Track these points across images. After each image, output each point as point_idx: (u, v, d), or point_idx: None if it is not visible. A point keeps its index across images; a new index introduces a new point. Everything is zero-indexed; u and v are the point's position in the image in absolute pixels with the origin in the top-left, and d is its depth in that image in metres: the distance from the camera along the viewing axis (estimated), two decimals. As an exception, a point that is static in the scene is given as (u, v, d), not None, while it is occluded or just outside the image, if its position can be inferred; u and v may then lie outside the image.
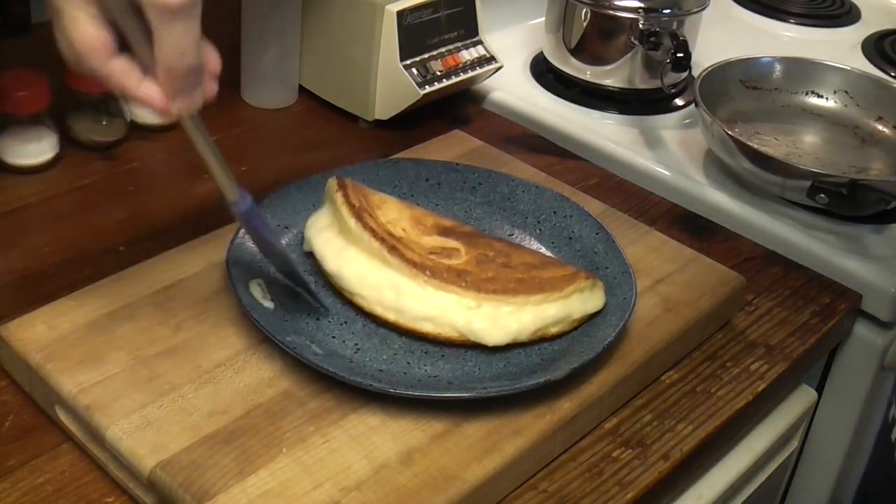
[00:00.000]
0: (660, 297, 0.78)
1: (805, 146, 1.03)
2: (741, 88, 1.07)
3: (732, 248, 0.92)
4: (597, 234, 0.80)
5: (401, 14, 0.97)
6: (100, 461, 0.64)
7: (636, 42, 1.06)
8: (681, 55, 1.02)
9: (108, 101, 0.93)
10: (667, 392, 0.75)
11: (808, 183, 0.90)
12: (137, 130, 0.97)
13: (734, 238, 0.93)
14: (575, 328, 0.73)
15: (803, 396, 0.88)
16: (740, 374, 0.78)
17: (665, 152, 1.02)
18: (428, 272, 0.70)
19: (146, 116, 0.97)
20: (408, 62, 0.99)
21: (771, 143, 1.02)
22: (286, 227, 0.78)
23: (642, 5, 1.06)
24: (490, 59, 1.05)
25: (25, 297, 0.76)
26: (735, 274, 0.82)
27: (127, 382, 0.65)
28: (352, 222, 0.72)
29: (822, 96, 1.08)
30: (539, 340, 0.72)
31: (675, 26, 1.06)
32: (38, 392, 0.68)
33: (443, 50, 1.02)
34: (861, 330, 0.90)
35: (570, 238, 0.81)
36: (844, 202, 0.90)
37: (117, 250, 0.83)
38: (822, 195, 0.90)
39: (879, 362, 0.90)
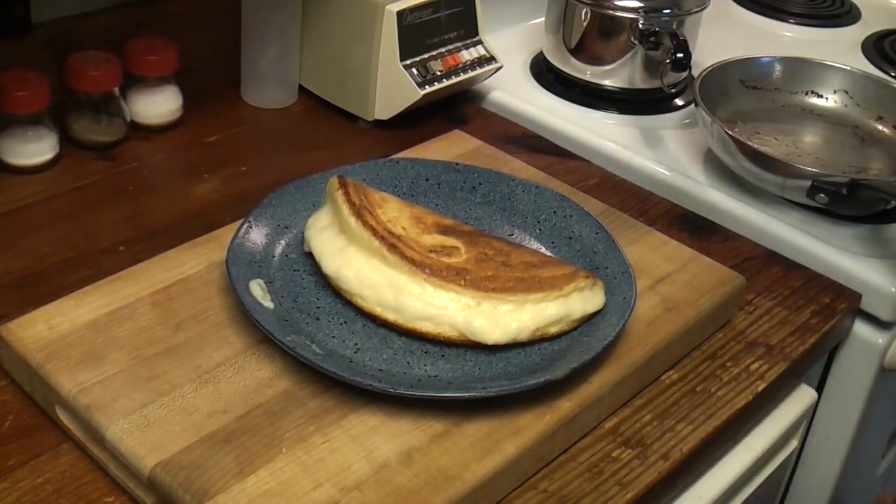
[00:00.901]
0: (660, 297, 0.78)
1: (805, 146, 1.03)
2: (741, 88, 1.07)
3: (732, 248, 0.92)
4: (597, 233, 0.80)
5: (401, 14, 0.97)
6: (100, 461, 0.64)
7: (636, 42, 1.06)
8: (681, 55, 1.02)
9: (108, 101, 0.93)
10: (667, 392, 0.75)
11: (808, 183, 0.90)
12: (137, 130, 0.97)
13: (734, 238, 0.93)
14: (575, 328, 0.73)
15: (803, 396, 0.88)
16: (740, 374, 0.78)
17: (665, 152, 1.02)
18: (427, 270, 0.70)
19: (146, 116, 0.97)
20: (408, 62, 0.99)
21: (771, 143, 1.02)
22: (286, 227, 0.78)
23: (642, 5, 1.06)
24: (490, 59, 1.05)
25: (25, 297, 0.76)
26: (735, 274, 0.82)
27: (127, 382, 0.65)
28: (352, 220, 0.72)
29: (822, 96, 1.08)
30: (539, 340, 0.72)
31: (675, 26, 1.06)
32: (38, 392, 0.68)
33: (443, 50, 1.02)
34: (861, 330, 0.89)
35: (570, 238, 0.81)
36: (844, 202, 0.90)
37: (117, 250, 0.83)
38: (822, 195, 0.90)
39: (879, 362, 0.90)
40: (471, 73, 1.03)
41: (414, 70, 0.99)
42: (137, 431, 0.62)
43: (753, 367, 0.79)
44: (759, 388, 0.77)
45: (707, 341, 0.80)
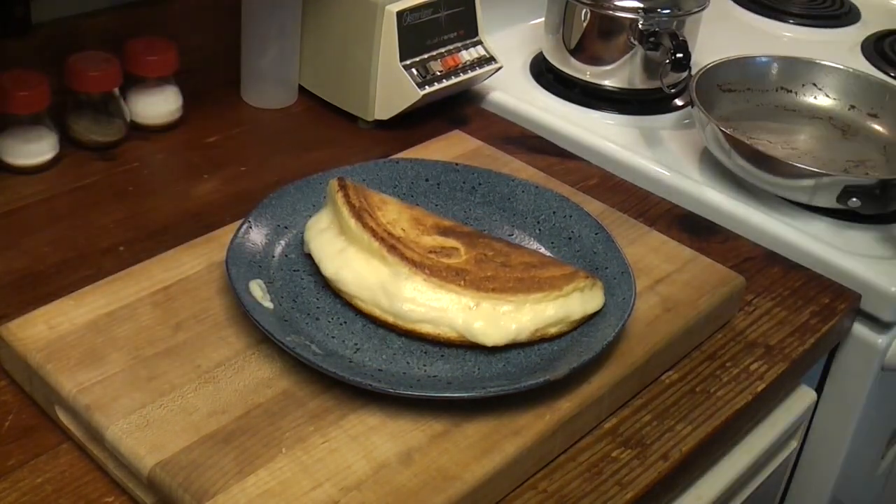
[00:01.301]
0: (659, 297, 0.78)
1: (801, 145, 1.03)
2: (739, 88, 1.07)
3: (732, 248, 0.92)
4: (596, 234, 0.80)
5: (401, 14, 0.97)
6: (100, 461, 0.64)
7: (636, 42, 1.06)
8: (680, 55, 1.02)
9: (108, 101, 0.93)
10: (666, 392, 0.75)
11: (809, 182, 0.90)
12: (137, 130, 0.97)
13: (734, 238, 0.93)
14: (574, 328, 0.73)
15: (803, 396, 0.88)
16: (740, 374, 0.78)
17: (665, 152, 1.02)
18: (427, 271, 0.70)
19: (146, 116, 0.97)
20: (408, 62, 0.99)
21: (768, 143, 1.02)
22: (286, 228, 0.78)
23: (642, 5, 1.06)
24: (490, 59, 1.05)
25: (25, 297, 0.76)
26: (735, 274, 0.82)
27: (127, 382, 0.65)
28: (352, 222, 0.73)
29: (820, 96, 1.08)
30: (539, 340, 0.72)
31: (674, 26, 1.06)
32: (38, 392, 0.68)
33: (443, 50, 1.02)
34: (861, 330, 0.89)
35: (570, 238, 0.81)
36: (876, 202, 0.89)
37: (117, 250, 0.83)
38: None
39: (879, 363, 0.90)
40: (471, 74, 1.03)
41: (414, 70, 0.99)
42: (137, 431, 0.62)
43: (753, 367, 0.79)
44: (759, 389, 0.77)
45: (707, 341, 0.80)
